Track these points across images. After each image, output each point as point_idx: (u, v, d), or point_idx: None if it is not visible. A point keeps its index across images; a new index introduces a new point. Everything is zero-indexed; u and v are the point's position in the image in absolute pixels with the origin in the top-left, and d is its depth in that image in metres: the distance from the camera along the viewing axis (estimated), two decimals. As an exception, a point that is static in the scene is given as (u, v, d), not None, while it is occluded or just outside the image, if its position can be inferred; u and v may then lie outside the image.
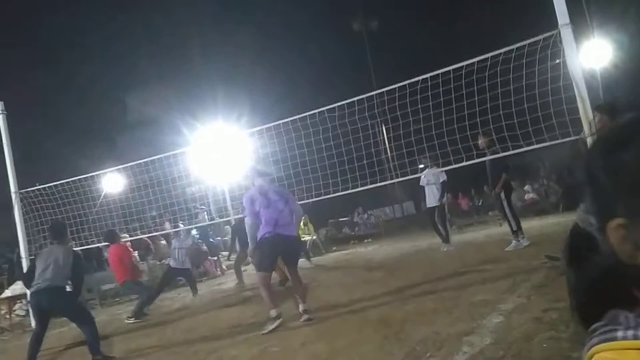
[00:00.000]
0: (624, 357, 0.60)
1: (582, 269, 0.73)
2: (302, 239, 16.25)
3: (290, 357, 4.57)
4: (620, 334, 0.62)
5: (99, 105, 24.24)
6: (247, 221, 6.09)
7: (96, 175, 10.32)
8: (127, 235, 10.75)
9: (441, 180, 10.32)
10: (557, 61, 7.09)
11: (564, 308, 4.34)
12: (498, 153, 7.98)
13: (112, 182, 11.04)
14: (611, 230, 0.63)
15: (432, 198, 10.55)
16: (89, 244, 10.22)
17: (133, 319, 8.38)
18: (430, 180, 10.40)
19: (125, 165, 10.20)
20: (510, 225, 8.94)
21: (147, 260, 12.77)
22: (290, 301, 7.54)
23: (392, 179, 9.59)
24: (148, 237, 11.56)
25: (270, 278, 6.17)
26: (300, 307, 5.94)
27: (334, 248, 16.39)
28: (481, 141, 8.42)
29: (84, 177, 10.12)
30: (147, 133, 21.73)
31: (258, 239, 5.92)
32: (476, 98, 7.55)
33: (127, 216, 10.21)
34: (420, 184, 10.72)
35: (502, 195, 9.01)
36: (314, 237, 17.10)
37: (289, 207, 6.09)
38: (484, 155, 8.35)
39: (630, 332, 0.61)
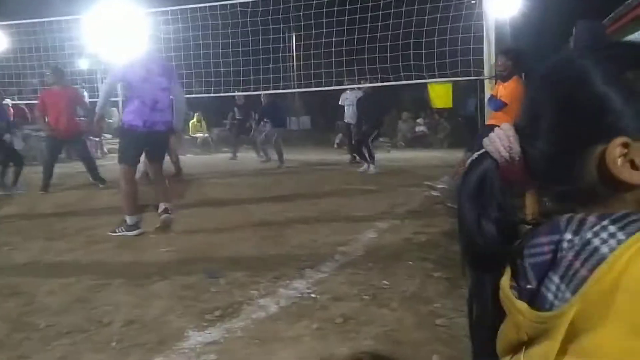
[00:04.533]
0: None
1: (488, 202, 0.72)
2: (193, 136, 16.02)
3: (165, 243, 4.54)
4: None
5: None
6: (108, 81, 4.99)
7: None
8: (9, 101, 9.88)
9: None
10: (473, 1, 7.23)
11: (433, 233, 4.66)
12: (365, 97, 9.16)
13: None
14: (611, 148, 0.62)
15: (349, 116, 11.22)
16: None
17: None
18: (349, 99, 10.94)
19: (9, 23, 9.19)
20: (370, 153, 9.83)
21: (22, 128, 11.88)
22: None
23: (295, 89, 9.56)
24: (25, 104, 10.69)
25: (135, 173, 5.09)
26: (161, 206, 5.06)
27: (225, 149, 16.23)
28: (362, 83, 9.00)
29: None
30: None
31: (126, 125, 4.83)
32: (390, 21, 7.56)
33: (6, 78, 9.34)
34: (340, 103, 11.45)
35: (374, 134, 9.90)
36: (206, 135, 16.81)
37: (169, 89, 4.98)
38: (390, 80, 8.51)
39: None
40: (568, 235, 0.62)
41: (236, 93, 10.27)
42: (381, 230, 4.89)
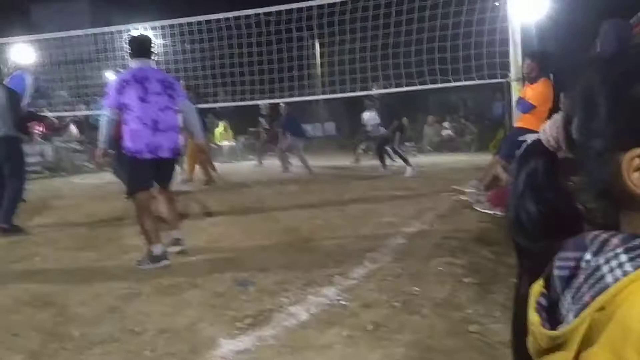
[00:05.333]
0: None
1: (543, 197, 0.71)
2: (220, 144, 16.15)
3: (193, 252, 4.57)
4: None
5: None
6: (107, 113, 4.36)
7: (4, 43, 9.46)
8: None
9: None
10: (497, 3, 7.15)
11: (463, 237, 4.60)
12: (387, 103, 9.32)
13: (22, 53, 10.15)
14: (628, 158, 0.59)
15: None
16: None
17: None
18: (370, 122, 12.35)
19: (38, 37, 9.40)
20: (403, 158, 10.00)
21: (53, 141, 12.14)
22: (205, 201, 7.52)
23: (320, 95, 9.59)
24: (55, 116, 10.89)
25: (150, 199, 4.51)
26: (174, 233, 4.55)
27: (251, 157, 16.33)
28: (375, 88, 8.96)
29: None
30: (66, 6, 20.16)
31: (129, 153, 4.32)
32: (415, 26, 7.52)
33: (35, 91, 9.52)
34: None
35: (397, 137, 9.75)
36: (233, 143, 16.93)
37: (175, 106, 4.48)
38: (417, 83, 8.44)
39: None
40: (588, 255, 0.60)
41: (261, 102, 10.35)
42: (410, 236, 4.85)
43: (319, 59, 12.94)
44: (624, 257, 0.57)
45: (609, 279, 0.57)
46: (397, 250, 4.34)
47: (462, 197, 6.52)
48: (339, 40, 8.22)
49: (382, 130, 11.97)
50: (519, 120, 6.21)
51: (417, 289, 3.33)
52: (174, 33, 8.82)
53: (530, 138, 0.77)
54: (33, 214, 6.74)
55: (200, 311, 3.15)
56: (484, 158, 9.66)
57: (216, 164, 13.39)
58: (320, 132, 24.77)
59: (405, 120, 12.13)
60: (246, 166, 14.10)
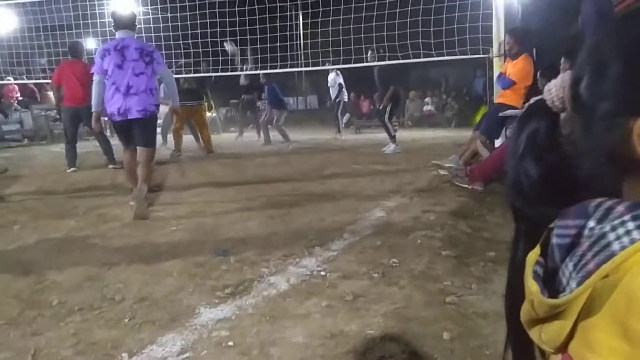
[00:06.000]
0: None
1: (543, 159, 0.70)
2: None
3: (174, 222, 4.58)
4: None
5: None
6: (95, 78, 5.02)
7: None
8: (12, 78, 9.91)
9: (337, 83, 12.97)
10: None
11: (441, 211, 4.66)
12: (383, 68, 8.57)
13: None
14: (639, 124, 0.57)
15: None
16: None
17: None
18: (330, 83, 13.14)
19: (17, 2, 9.14)
20: (388, 131, 9.44)
21: (31, 108, 11.90)
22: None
23: (302, 67, 9.49)
24: (34, 83, 10.70)
25: (135, 155, 5.15)
26: (138, 185, 4.92)
27: (232, 129, 16.24)
28: (370, 54, 8.64)
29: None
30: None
31: (107, 115, 5.14)
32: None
33: (14, 57, 9.31)
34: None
35: (388, 108, 9.30)
36: (214, 115, 16.78)
37: (150, 71, 5.03)
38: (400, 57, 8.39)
39: None
40: (591, 223, 0.59)
41: (241, 72, 10.26)
42: (389, 209, 4.89)
43: (302, 31, 12.83)
44: (631, 225, 0.56)
45: (615, 246, 0.55)
46: (377, 224, 4.38)
47: (442, 172, 6.57)
48: (323, 12, 8.14)
49: (344, 92, 13.02)
50: (499, 96, 6.25)
51: (395, 261, 3.38)
52: (155, 1, 8.66)
53: (509, 114, 0.77)
54: (12, 182, 6.66)
55: (180, 280, 3.16)
56: (464, 134, 9.72)
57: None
58: (303, 105, 24.67)
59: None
60: (227, 138, 14.02)
